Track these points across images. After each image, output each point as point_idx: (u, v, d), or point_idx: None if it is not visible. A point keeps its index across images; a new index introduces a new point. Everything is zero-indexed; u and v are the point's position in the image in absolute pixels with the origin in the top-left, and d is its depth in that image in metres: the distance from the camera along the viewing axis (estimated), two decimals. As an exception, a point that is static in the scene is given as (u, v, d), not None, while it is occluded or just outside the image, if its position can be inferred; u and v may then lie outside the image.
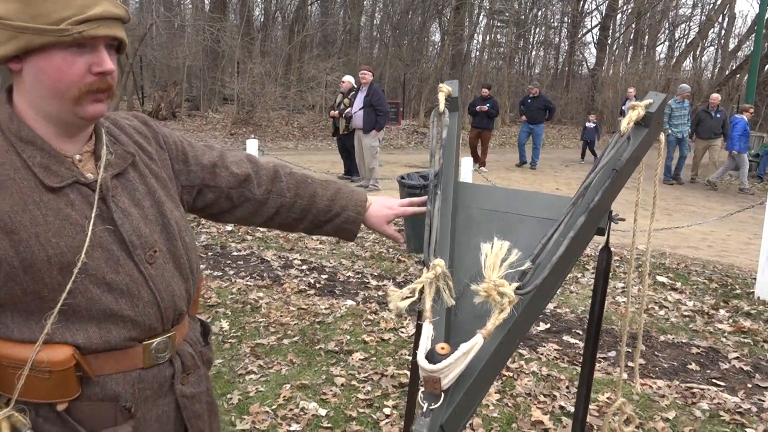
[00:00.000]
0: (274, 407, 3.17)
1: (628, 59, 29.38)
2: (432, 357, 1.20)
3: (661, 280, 5.59)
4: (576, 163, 14.76)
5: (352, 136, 10.27)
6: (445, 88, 1.74)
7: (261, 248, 6.20)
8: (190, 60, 20.21)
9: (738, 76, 25.23)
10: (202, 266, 5.37)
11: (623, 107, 14.62)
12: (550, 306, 4.79)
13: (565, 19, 30.95)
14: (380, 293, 4.95)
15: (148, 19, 19.61)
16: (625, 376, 3.58)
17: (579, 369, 1.50)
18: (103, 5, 1.09)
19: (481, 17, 27.30)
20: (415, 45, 27.10)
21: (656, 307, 4.87)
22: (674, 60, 29.20)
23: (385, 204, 1.66)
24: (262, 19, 27.37)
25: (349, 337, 4.04)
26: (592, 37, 31.82)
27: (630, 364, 3.75)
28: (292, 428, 2.98)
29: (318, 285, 5.11)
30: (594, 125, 15.17)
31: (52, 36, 1.05)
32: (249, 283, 5.05)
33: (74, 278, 1.08)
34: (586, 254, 6.32)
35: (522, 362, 3.76)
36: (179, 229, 1.28)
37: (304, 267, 5.60)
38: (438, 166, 1.64)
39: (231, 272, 5.36)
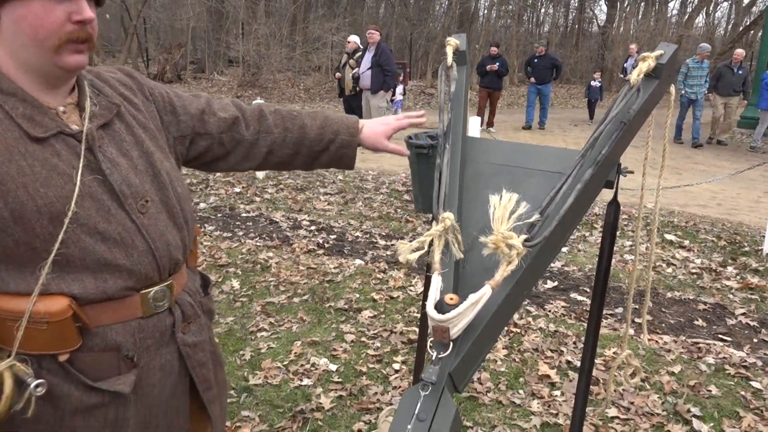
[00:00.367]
0: (285, 363, 3.23)
1: (640, 16, 28.76)
2: (441, 307, 1.22)
3: (670, 238, 5.59)
4: (585, 122, 14.61)
5: (359, 97, 10.18)
6: (452, 42, 1.72)
7: (270, 209, 6.23)
8: (194, 21, 19.97)
9: (752, 32, 24.70)
10: (211, 227, 5.43)
11: (625, 65, 14.21)
12: (558, 264, 4.82)
13: (576, -26, 30.23)
14: (388, 253, 4.98)
15: (151, -20, 19.32)
16: (631, 332, 3.62)
17: (586, 325, 1.52)
18: None
19: (489, -26, 26.73)
20: (421, 4, 26.60)
21: (664, 265, 4.88)
22: (687, 16, 28.57)
23: (380, 122, 1.62)
24: (266, -21, 26.92)
25: (358, 296, 4.09)
26: (603, -7, 31.12)
27: (637, 320, 3.79)
28: (303, 383, 3.05)
29: (327, 245, 5.14)
30: (599, 84, 14.85)
31: None
32: (258, 244, 5.09)
33: (66, 228, 1.08)
34: (595, 213, 6.32)
35: (530, 319, 3.80)
36: (170, 179, 1.27)
37: (313, 228, 5.63)
38: (446, 121, 1.63)
39: (240, 233, 5.40)
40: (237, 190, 6.98)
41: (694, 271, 4.79)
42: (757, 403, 2.98)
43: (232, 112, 1.47)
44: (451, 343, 1.23)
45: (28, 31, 1.06)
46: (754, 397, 3.03)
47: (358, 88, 10.05)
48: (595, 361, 3.10)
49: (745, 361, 3.37)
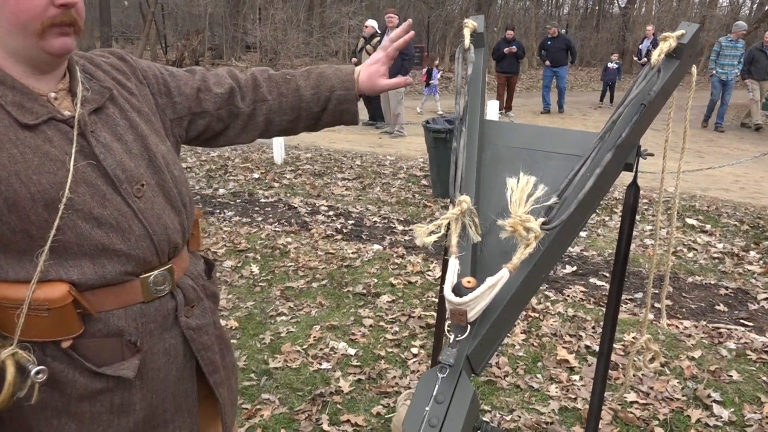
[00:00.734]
0: (305, 347, 3.26)
1: (662, -4, 28.20)
2: (458, 290, 1.22)
3: (691, 222, 5.52)
4: (604, 106, 14.41)
5: (376, 82, 10.12)
6: (470, 24, 1.70)
7: (288, 195, 6.26)
8: (211, 7, 20.00)
9: (778, 11, 24.10)
10: (230, 213, 5.47)
11: (641, 46, 13.85)
12: (577, 249, 4.79)
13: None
14: (406, 238, 4.99)
15: (168, -34, 19.36)
16: (651, 316, 3.59)
17: (605, 310, 1.51)
18: None
19: (508, -45, 26.36)
20: (439, -14, 26.35)
21: (685, 249, 4.83)
22: (711, -4, 27.95)
23: (371, 61, 1.52)
24: (282, -37, 26.82)
25: (376, 280, 4.11)
26: (625, -26, 30.52)
27: (657, 305, 3.76)
28: (322, 366, 3.08)
29: (345, 230, 5.16)
30: (617, 66, 14.53)
31: None
32: (277, 229, 5.13)
33: (61, 214, 1.07)
34: (614, 197, 6.25)
35: (548, 303, 3.79)
36: (166, 163, 1.26)
37: (331, 213, 5.65)
38: (463, 104, 1.62)
39: (259, 219, 5.43)
40: (256, 176, 7.02)
41: (715, 255, 4.73)
42: (779, 388, 2.96)
43: (227, 85, 1.42)
44: (469, 326, 1.23)
45: (10, 16, 1.05)
46: (776, 383, 3.00)
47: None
48: (614, 345, 3.09)
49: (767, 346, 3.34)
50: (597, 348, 3.18)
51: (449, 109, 12.79)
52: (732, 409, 2.78)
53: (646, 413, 2.74)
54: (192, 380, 1.34)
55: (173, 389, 1.29)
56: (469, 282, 1.24)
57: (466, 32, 1.68)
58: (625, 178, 1.49)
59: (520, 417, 2.71)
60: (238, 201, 6.02)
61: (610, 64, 14.57)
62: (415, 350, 3.24)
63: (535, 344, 3.32)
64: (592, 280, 4.21)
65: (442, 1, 25.38)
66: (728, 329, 3.53)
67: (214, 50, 21.53)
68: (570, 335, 3.41)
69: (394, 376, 3.00)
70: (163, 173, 1.24)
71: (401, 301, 3.82)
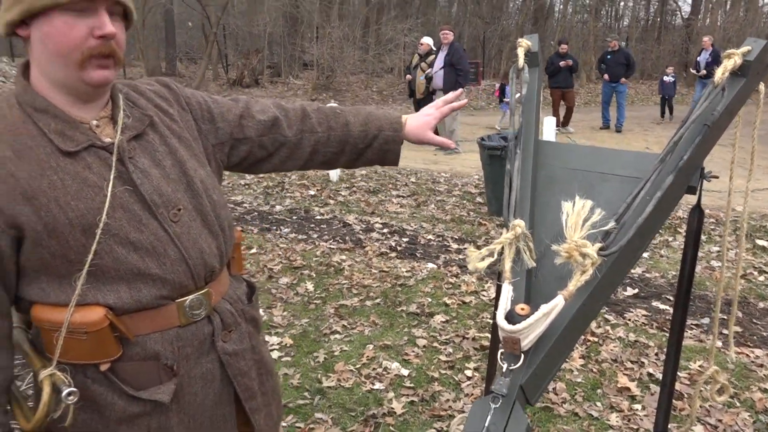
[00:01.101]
0: (358, 366, 3.26)
1: (728, 6, 27.24)
2: (512, 317, 1.19)
3: (762, 243, 5.26)
4: (665, 121, 13.96)
5: (430, 99, 10.15)
6: (524, 43, 1.67)
7: (343, 212, 6.31)
8: (270, 27, 20.51)
9: None
10: (286, 229, 5.55)
11: (698, 59, 13.29)
12: (639, 270, 4.63)
13: (658, -35, 28.98)
14: (461, 257, 4.94)
15: (230, -11, 19.98)
16: (719, 344, 3.42)
17: (668, 335, 1.44)
18: None
19: (565, -32, 26.05)
20: (494, 2, 26.28)
21: (755, 273, 4.59)
22: (781, 4, 26.81)
23: (422, 113, 1.57)
24: (339, -17, 27.31)
25: (430, 300, 4.08)
26: (688, -16, 29.67)
27: (725, 331, 3.58)
28: (375, 387, 3.06)
29: (399, 248, 5.15)
30: (672, 79, 13.98)
31: None
32: (332, 246, 5.17)
33: (98, 239, 1.10)
34: (678, 216, 6.03)
35: (608, 327, 3.66)
36: (205, 187, 1.27)
37: (385, 230, 5.66)
38: (517, 124, 1.59)
39: (315, 236, 5.49)
40: (312, 192, 7.11)
41: (789, 277, 4.48)
42: None
43: (271, 114, 1.44)
44: (523, 355, 1.19)
45: (52, 47, 1.09)
46: None
47: (431, 89, 10.01)
48: (679, 374, 2.95)
49: None
50: (660, 376, 3.05)
51: (505, 123, 12.67)
52: (809, 444, 2.61)
53: (714, 445, 2.61)
54: (230, 405, 1.34)
55: (211, 414, 1.30)
56: (522, 309, 1.21)
57: (520, 52, 1.66)
58: (690, 197, 1.43)
59: (578, 445, 2.62)
60: (294, 218, 6.10)
61: (665, 78, 14.07)
62: (469, 372, 3.18)
63: (594, 370, 3.21)
64: (654, 303, 4.06)
65: (497, 16, 25.29)
66: (804, 357, 3.33)
67: (272, 68, 22.06)
68: (631, 362, 3.29)
69: (448, 399, 2.96)
70: (201, 198, 1.25)
71: (455, 321, 3.77)
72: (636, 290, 4.25)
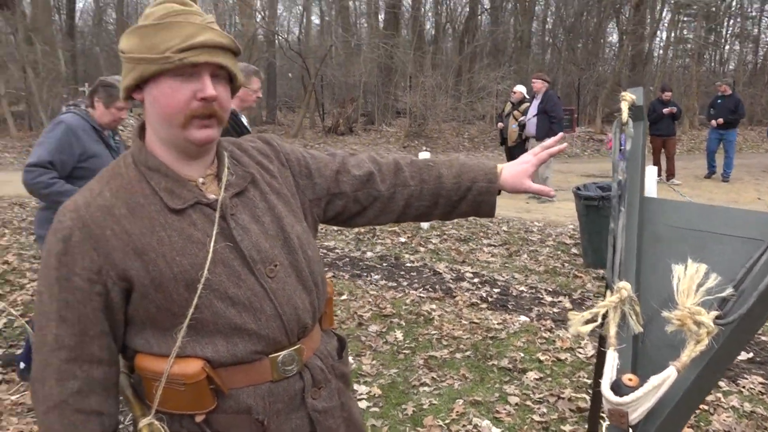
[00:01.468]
0: (447, 421, 3.17)
1: None
2: (618, 388, 1.12)
3: None
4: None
5: (522, 146, 10.06)
6: (628, 97, 1.62)
7: (433, 260, 6.28)
8: (365, 77, 21.17)
9: None
10: (377, 276, 5.58)
11: None
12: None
13: (765, 7, 27.62)
14: (555, 310, 4.76)
15: (328, 41, 20.90)
16: None
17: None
18: (207, 35, 1.15)
19: (664, 13, 25.39)
20: (590, 48, 25.89)
21: None
22: None
23: (519, 161, 1.53)
24: (432, 33, 27.90)
25: (522, 355, 3.94)
26: (801, 25, 28.03)
27: None
28: (464, 444, 2.97)
29: (490, 299, 5.04)
30: None
31: (159, 64, 1.13)
32: (422, 295, 5.13)
33: (199, 294, 1.14)
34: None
35: (719, 395, 3.38)
36: (301, 243, 1.29)
37: (476, 280, 5.57)
38: (621, 181, 1.53)
39: (405, 283, 5.48)
40: (402, 240, 7.14)
41: None
42: None
43: (366, 169, 1.46)
44: (630, 430, 1.12)
45: (160, 109, 1.17)
46: None
47: (524, 136, 9.92)
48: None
49: None
50: (781, 450, 2.76)
51: (601, 171, 12.30)
52: None
53: None
54: None
55: None
56: (630, 380, 1.14)
57: (624, 106, 1.60)
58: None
59: None
60: (384, 264, 6.14)
61: None
62: (564, 434, 3.02)
63: (704, 439, 2.96)
64: (772, 368, 3.72)
65: (593, 63, 24.88)
66: None
67: (366, 116, 22.67)
68: (747, 432, 3.01)
69: (541, 462, 2.81)
70: (297, 254, 1.28)
71: (549, 379, 3.62)
72: (751, 354, 3.91)
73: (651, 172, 6.45)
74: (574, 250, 6.60)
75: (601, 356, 1.31)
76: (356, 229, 7.66)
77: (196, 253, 1.16)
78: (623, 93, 1.63)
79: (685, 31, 26.44)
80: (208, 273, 1.15)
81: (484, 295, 5.13)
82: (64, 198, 2.96)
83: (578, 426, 3.08)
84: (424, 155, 8.19)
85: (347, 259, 6.33)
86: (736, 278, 1.20)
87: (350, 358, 3.21)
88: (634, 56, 24.30)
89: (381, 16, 23.96)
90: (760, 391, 3.42)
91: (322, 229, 7.54)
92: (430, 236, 7.30)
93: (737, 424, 3.09)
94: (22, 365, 3.55)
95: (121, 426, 1.29)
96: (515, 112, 10.14)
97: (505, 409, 3.27)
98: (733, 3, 27.15)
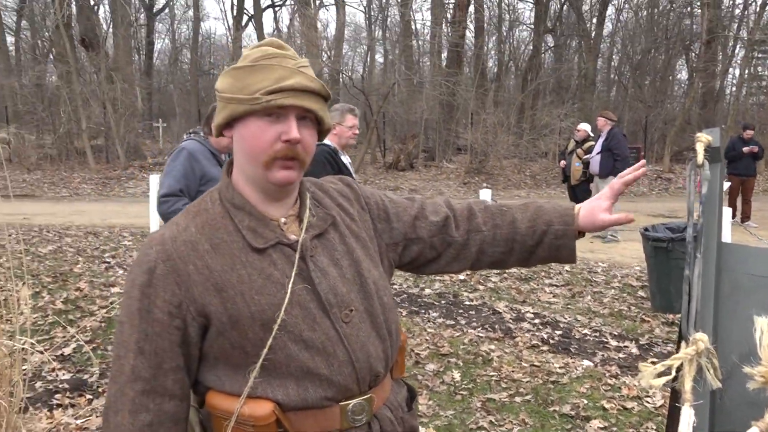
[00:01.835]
0: (505, 468, 3.06)
1: None
2: (694, 449, 1.05)
3: None
4: None
5: (585, 186, 9.86)
6: (704, 138, 1.55)
7: (493, 299, 6.16)
8: (427, 113, 21.35)
9: None
10: (435, 314, 5.51)
11: None
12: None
13: None
14: (621, 355, 4.57)
15: (391, 79, 21.25)
16: None
17: None
18: (297, 78, 1.17)
19: (737, 49, 24.65)
20: (657, 85, 25.35)
21: None
22: None
23: (596, 196, 1.45)
24: (495, 70, 27.98)
25: (586, 402, 3.78)
26: None
27: None
28: (523, 494, 2.84)
29: (552, 341, 4.89)
30: None
31: (248, 104, 1.16)
32: (480, 335, 5.03)
33: (274, 334, 1.14)
34: None
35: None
36: (377, 289, 1.28)
37: (537, 321, 5.42)
38: (697, 225, 1.46)
39: (463, 322, 5.39)
40: (461, 277, 7.06)
41: None
42: None
43: (443, 214, 1.45)
44: (708, 495, 1.04)
45: (246, 148, 1.20)
46: None
47: (588, 174, 9.72)
48: None
49: None
50: None
51: (669, 211, 11.88)
52: None
53: None
54: None
55: None
56: (708, 441, 1.06)
57: (699, 147, 1.54)
58: None
59: None
60: (442, 302, 6.06)
61: None
62: (631, 490, 2.86)
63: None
64: None
65: (660, 100, 24.31)
66: None
67: (427, 152, 22.78)
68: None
69: None
70: (373, 299, 1.27)
71: (615, 429, 3.44)
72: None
73: (726, 213, 6.18)
74: (641, 293, 6.35)
75: (674, 412, 1.23)
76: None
77: (275, 294, 1.17)
78: (699, 134, 1.56)
79: (759, 68, 25.57)
80: (284, 314, 1.15)
81: (546, 336, 4.98)
82: None
83: (646, 482, 2.91)
84: (484, 192, 8.13)
85: (405, 295, 6.29)
86: (827, 333, 1.12)
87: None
88: (705, 94, 23.61)
89: (444, 55, 24.22)
90: None
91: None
92: (489, 274, 7.19)
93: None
94: None
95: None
96: (578, 150, 9.97)
97: (567, 459, 3.13)
98: (812, 39, 26.08)
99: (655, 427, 3.41)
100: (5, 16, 27.13)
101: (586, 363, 4.41)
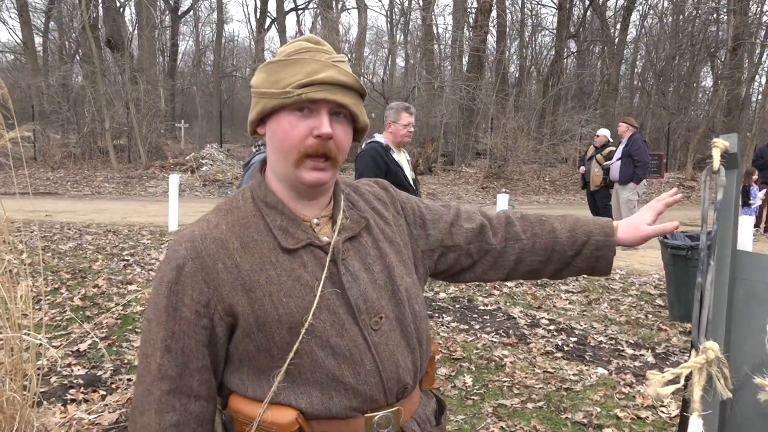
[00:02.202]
0: (515, 475, 3.02)
1: None
2: (702, 460, 1.02)
3: None
4: None
5: (604, 192, 9.76)
6: (720, 143, 1.52)
7: (508, 304, 6.12)
8: (447, 118, 21.32)
9: None
10: (448, 318, 5.48)
11: None
12: None
13: None
14: (636, 364, 4.50)
15: (412, 83, 21.26)
16: None
17: None
18: (329, 72, 1.13)
19: (764, 57, 24.28)
20: (681, 92, 25.04)
21: None
22: None
23: (637, 214, 1.46)
24: (516, 75, 27.88)
25: (599, 410, 3.72)
26: None
27: None
28: (533, 502, 2.81)
29: (566, 348, 4.83)
30: None
31: (279, 98, 1.13)
32: (494, 340, 4.99)
33: (301, 338, 1.10)
34: None
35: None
36: (408, 296, 1.24)
37: (552, 327, 5.36)
38: (711, 232, 1.43)
39: (477, 326, 5.35)
40: (476, 281, 7.01)
41: None
42: None
43: (478, 221, 1.42)
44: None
45: (277, 143, 1.16)
46: None
47: (608, 180, 9.63)
48: None
49: None
50: None
51: (690, 219, 11.70)
52: None
53: None
54: None
55: None
56: (716, 452, 1.03)
57: (715, 153, 1.51)
58: None
59: None
60: (457, 306, 6.03)
61: None
62: (643, 501, 2.81)
63: None
64: None
65: (684, 107, 24.01)
66: None
67: (446, 157, 22.74)
68: None
69: None
70: (404, 307, 1.23)
71: (628, 438, 3.39)
72: None
73: (746, 222, 6.07)
74: (659, 302, 6.26)
75: (683, 422, 1.20)
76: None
77: (303, 296, 1.13)
78: (715, 139, 1.53)
79: (786, 76, 25.11)
80: (312, 318, 1.12)
81: (560, 343, 4.93)
82: None
83: (659, 493, 2.86)
84: (502, 197, 8.08)
85: (420, 298, 6.25)
86: (843, 345, 1.09)
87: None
88: (730, 101, 23.28)
89: (465, 59, 24.17)
90: None
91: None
92: (505, 280, 7.12)
93: None
94: None
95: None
96: (598, 156, 9.88)
97: (578, 468, 3.09)
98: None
99: (669, 438, 3.36)
100: (34, 17, 27.66)
101: (601, 371, 4.35)
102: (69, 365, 4.15)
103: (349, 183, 1.34)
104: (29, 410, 2.92)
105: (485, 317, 5.66)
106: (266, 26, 30.06)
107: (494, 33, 24.73)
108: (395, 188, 1.43)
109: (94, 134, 21.04)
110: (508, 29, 25.76)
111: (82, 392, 3.75)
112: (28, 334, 2.96)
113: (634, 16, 26.73)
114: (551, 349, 4.79)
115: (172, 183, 10.08)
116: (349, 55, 23.80)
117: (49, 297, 5.74)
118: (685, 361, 1.20)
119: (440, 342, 4.90)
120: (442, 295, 6.43)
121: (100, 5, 21.99)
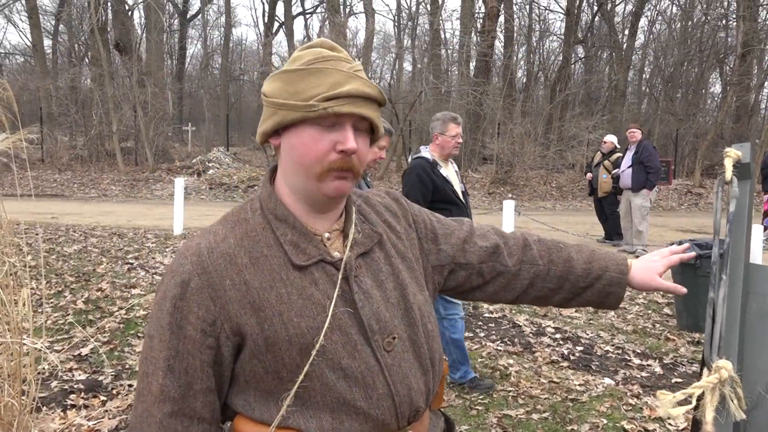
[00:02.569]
0: (519, 488, 2.97)
1: None
2: (714, 486, 0.98)
3: None
4: None
5: (612, 198, 9.69)
6: (733, 153, 1.48)
7: (513, 312, 6.06)
8: (453, 123, 21.24)
9: None
10: (453, 326, 5.41)
11: None
12: None
13: None
14: (644, 374, 4.43)
15: (419, 88, 21.24)
16: None
17: None
18: (354, 84, 1.10)
19: (774, 64, 24.12)
20: (690, 98, 24.92)
21: None
22: None
23: (648, 259, 1.43)
24: (524, 81, 27.81)
25: (605, 421, 3.66)
26: None
27: None
28: None
29: (572, 357, 4.77)
30: None
31: (301, 111, 1.08)
32: (499, 348, 4.93)
33: (311, 360, 1.06)
34: None
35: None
36: (421, 315, 1.20)
37: (558, 336, 5.30)
38: (724, 245, 1.38)
39: (482, 334, 5.30)
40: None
41: None
42: None
43: (493, 241, 1.39)
44: None
45: (297, 157, 1.11)
46: None
47: (617, 187, 9.57)
48: None
49: None
50: None
51: (698, 227, 11.62)
52: None
53: None
54: None
55: None
56: (729, 478, 0.99)
57: (728, 163, 1.46)
58: None
59: None
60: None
61: None
62: None
63: None
64: None
65: (692, 113, 23.88)
66: None
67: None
68: None
69: None
70: (417, 327, 1.19)
71: (635, 451, 3.33)
72: None
73: (758, 231, 6.00)
74: (666, 311, 6.18)
75: (695, 443, 1.16)
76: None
77: (314, 316, 1.09)
78: (727, 149, 1.49)
79: (796, 83, 24.97)
80: (323, 339, 1.07)
81: (566, 352, 4.86)
82: None
83: None
84: (508, 203, 8.03)
85: (425, 305, 6.21)
86: None
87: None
88: (739, 108, 23.15)
89: (472, 64, 24.13)
90: None
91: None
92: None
93: None
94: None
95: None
96: (606, 163, 9.82)
97: (584, 482, 3.03)
98: None
99: (677, 452, 3.29)
100: (44, 20, 27.84)
101: (607, 381, 4.28)
102: (70, 370, 4.12)
103: (360, 194, 1.31)
104: (27, 416, 2.88)
105: (490, 325, 5.60)
106: (274, 30, 30.11)
107: (502, 38, 24.68)
108: (406, 200, 1.39)
109: (101, 137, 21.14)
110: (515, 34, 25.72)
111: (82, 397, 3.72)
112: (28, 338, 2.93)
113: (643, 22, 26.69)
114: (557, 358, 4.73)
115: (177, 186, 10.09)
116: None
117: (52, 300, 5.73)
118: (694, 372, 1.15)
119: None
120: (447, 301, 6.37)
121: (110, 8, 22.12)
